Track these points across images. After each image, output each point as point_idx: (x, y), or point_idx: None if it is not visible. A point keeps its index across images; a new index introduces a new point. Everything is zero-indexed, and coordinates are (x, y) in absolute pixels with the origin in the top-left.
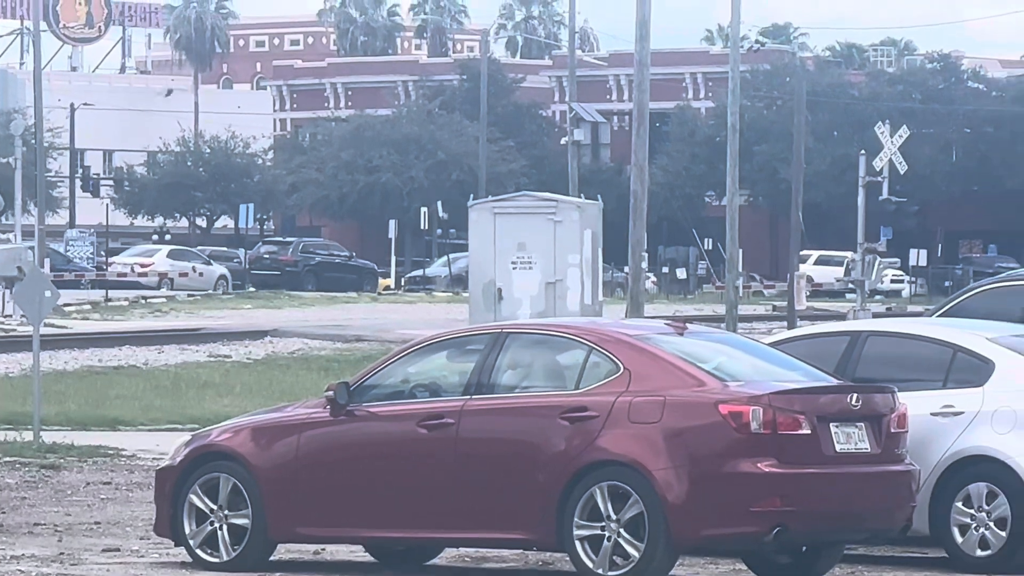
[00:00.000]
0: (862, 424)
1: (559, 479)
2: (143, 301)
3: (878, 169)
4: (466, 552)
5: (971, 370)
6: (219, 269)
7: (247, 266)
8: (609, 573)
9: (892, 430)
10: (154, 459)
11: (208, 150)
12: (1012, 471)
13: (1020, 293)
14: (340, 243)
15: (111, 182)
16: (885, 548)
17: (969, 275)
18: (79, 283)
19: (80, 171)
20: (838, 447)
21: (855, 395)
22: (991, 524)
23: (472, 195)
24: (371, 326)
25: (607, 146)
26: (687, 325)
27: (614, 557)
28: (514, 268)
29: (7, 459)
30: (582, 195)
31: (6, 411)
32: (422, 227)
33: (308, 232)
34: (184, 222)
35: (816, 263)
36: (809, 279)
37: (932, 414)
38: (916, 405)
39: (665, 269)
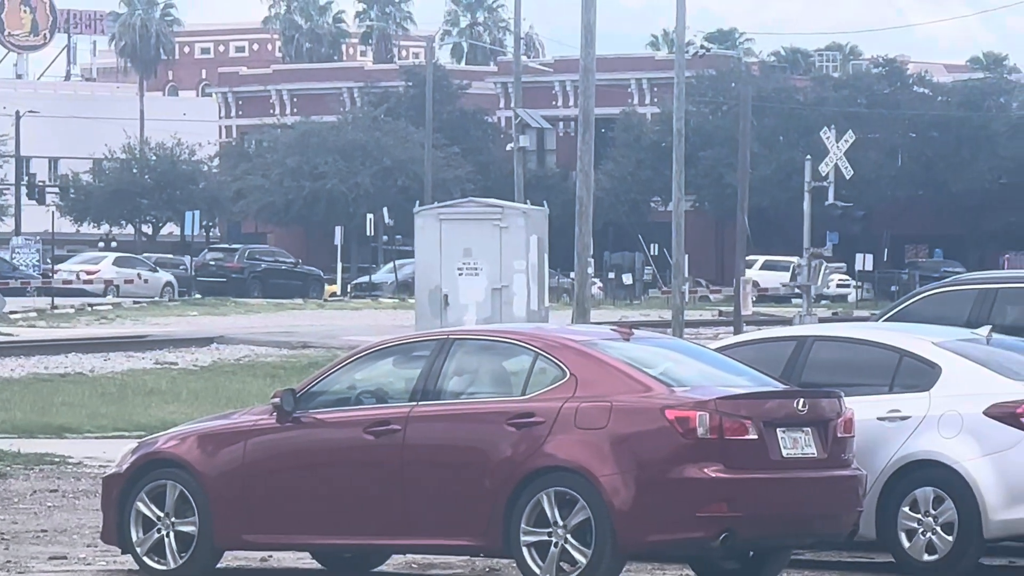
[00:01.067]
0: (809, 429)
1: (506, 485)
2: (89, 308)
3: (824, 174)
4: (413, 559)
5: (917, 375)
6: (165, 276)
7: (193, 273)
8: None
9: (839, 435)
10: (101, 466)
11: (154, 157)
12: (959, 475)
13: (966, 297)
14: (286, 250)
15: (57, 189)
16: (832, 553)
17: (915, 280)
18: (25, 290)
19: (26, 179)
20: (785, 452)
21: (802, 400)
22: (938, 529)
23: (418, 201)
24: (317, 332)
25: (553, 152)
26: (633, 331)
27: (561, 563)
28: (460, 274)
29: None
30: (528, 201)
31: None
32: (368, 233)
33: (254, 239)
34: (130, 229)
35: (762, 268)
36: (755, 284)
37: (879, 419)
38: (863, 410)
39: (611, 275)
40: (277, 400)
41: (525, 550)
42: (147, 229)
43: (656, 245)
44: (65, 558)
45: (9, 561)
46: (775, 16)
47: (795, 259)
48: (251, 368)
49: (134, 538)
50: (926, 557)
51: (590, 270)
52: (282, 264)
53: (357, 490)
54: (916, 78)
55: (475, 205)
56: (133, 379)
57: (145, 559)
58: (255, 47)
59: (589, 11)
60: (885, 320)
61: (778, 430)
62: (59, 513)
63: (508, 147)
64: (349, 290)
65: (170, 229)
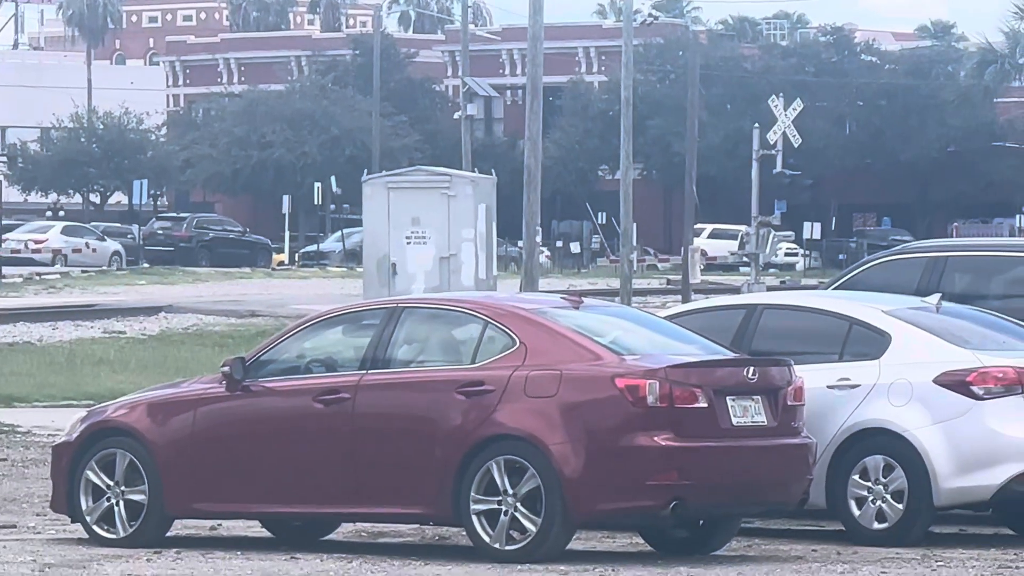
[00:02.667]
0: (759, 397)
1: (455, 454)
2: (37, 277)
3: (772, 142)
4: (363, 527)
5: (867, 343)
6: (113, 245)
7: (141, 242)
8: (506, 548)
9: (789, 403)
10: (50, 435)
11: (101, 126)
12: (909, 444)
13: (915, 265)
14: (234, 218)
15: (4, 158)
16: (782, 521)
17: (863, 248)
18: None
19: None
20: (735, 420)
21: (751, 368)
22: (888, 497)
23: (366, 170)
24: (265, 301)
25: (500, 120)
26: (583, 299)
27: (511, 532)
28: (408, 243)
29: None
30: (476, 169)
31: None
32: (316, 202)
33: (202, 208)
34: (78, 198)
35: (710, 237)
36: (703, 253)
37: (828, 387)
38: (812, 378)
39: (559, 243)
40: (227, 369)
41: (475, 518)
42: (95, 198)
43: (604, 214)
44: (14, 527)
45: None
46: None
47: (743, 228)
48: (199, 337)
49: (84, 507)
50: (876, 525)
51: (538, 239)
52: (230, 233)
53: (307, 459)
54: (864, 46)
55: (423, 174)
56: (81, 348)
57: (95, 528)
58: (202, 16)
59: None
60: (834, 288)
61: (728, 398)
62: (8, 482)
63: (456, 116)
64: (297, 259)
65: (118, 198)
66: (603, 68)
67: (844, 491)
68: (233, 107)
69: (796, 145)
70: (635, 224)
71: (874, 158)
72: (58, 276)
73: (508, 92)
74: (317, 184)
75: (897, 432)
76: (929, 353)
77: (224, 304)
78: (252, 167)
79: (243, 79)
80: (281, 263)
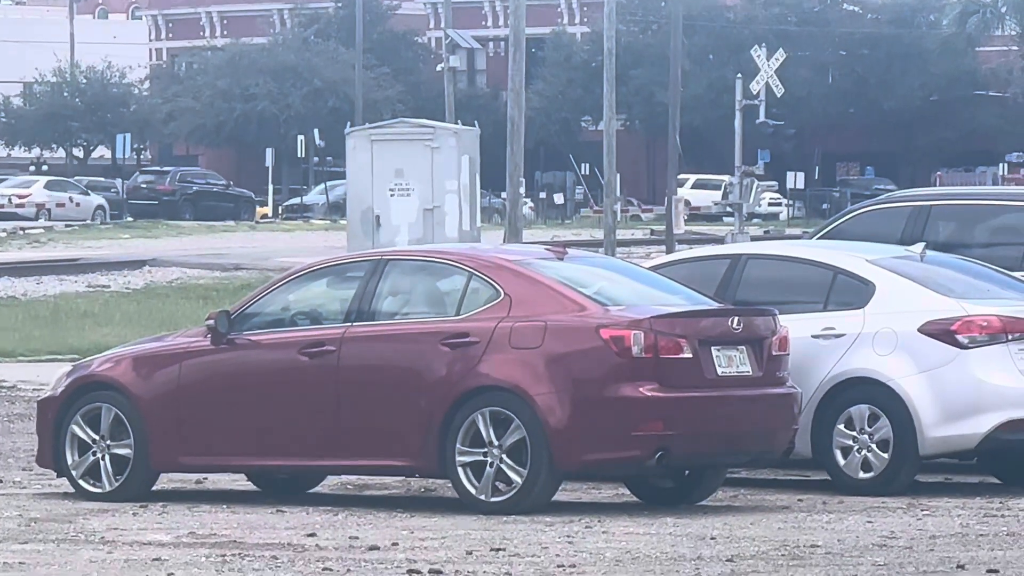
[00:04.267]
0: (743, 347)
1: (441, 406)
2: (20, 232)
3: (755, 92)
4: (348, 480)
5: (852, 292)
6: (97, 199)
7: (125, 196)
8: (492, 499)
9: (773, 353)
10: (35, 390)
11: (84, 80)
12: (893, 393)
13: (899, 215)
14: (217, 172)
15: None
16: (767, 471)
17: (847, 197)
18: None
19: None
20: (720, 370)
21: (736, 318)
22: (873, 446)
23: (349, 122)
24: (249, 254)
25: (483, 72)
26: (567, 250)
27: (496, 483)
28: (392, 195)
29: None
30: (459, 121)
31: None
32: (299, 155)
33: (185, 161)
34: (61, 153)
35: (694, 187)
36: (687, 203)
37: (813, 336)
38: (797, 328)
39: (542, 194)
40: (211, 322)
41: (460, 470)
42: (78, 152)
43: (587, 164)
44: (0, 482)
45: None
46: None
47: (727, 178)
48: (184, 290)
49: (69, 461)
50: (861, 474)
51: (521, 190)
52: (214, 186)
53: (292, 412)
54: None
55: (406, 126)
56: (66, 303)
57: (81, 482)
58: None
59: None
60: (818, 238)
61: (713, 348)
62: None
63: (439, 68)
64: (280, 212)
65: (101, 152)
66: (585, 19)
67: (829, 441)
68: (216, 60)
69: (779, 95)
70: (618, 175)
71: (857, 107)
72: (42, 230)
73: (491, 44)
74: (300, 137)
75: (882, 381)
76: (914, 302)
77: (208, 257)
78: (235, 120)
79: (226, 32)
80: (265, 216)
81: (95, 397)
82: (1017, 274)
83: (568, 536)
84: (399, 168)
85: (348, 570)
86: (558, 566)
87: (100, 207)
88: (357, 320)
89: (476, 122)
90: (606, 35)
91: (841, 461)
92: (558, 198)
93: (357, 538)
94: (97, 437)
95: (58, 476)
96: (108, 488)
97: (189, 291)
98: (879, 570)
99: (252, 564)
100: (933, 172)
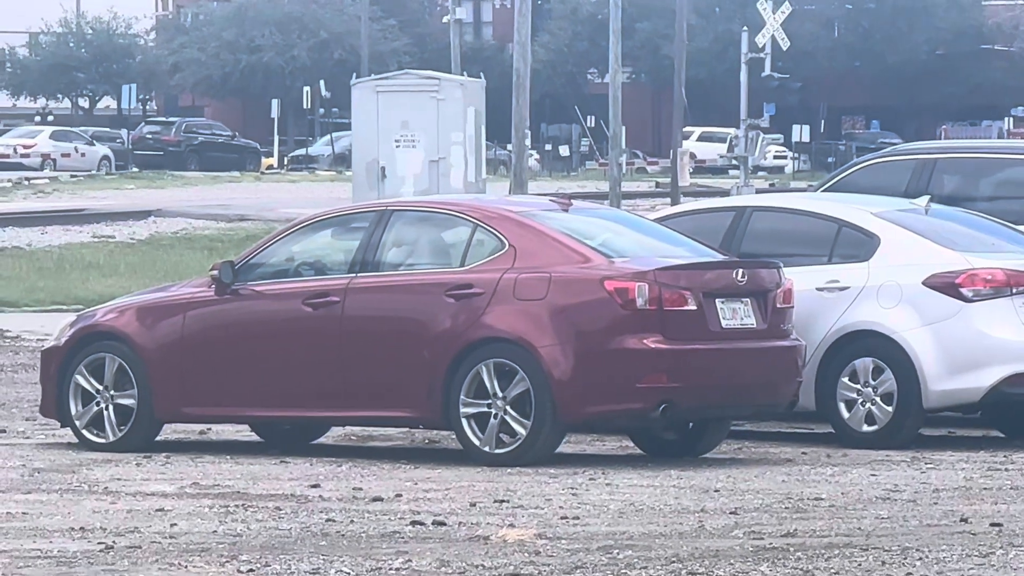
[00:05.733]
0: (748, 300)
1: (445, 357)
2: (26, 182)
3: (761, 46)
4: (352, 431)
5: (856, 245)
6: (102, 150)
7: (130, 146)
8: (496, 451)
9: (778, 305)
10: (39, 340)
11: (90, 31)
12: (898, 346)
13: (904, 168)
14: (223, 123)
15: None
16: (772, 424)
17: (852, 151)
18: None
19: None
20: (724, 323)
21: (741, 271)
22: (877, 399)
23: (355, 74)
24: (254, 205)
25: (489, 24)
26: (572, 201)
27: (500, 435)
28: (397, 146)
29: None
30: (464, 73)
31: None
32: (305, 106)
33: (191, 112)
34: (67, 103)
35: (699, 140)
36: (692, 156)
37: (818, 289)
38: (802, 280)
39: (548, 147)
40: (216, 272)
41: (464, 422)
42: (84, 103)
43: (593, 117)
44: (4, 432)
45: None
46: None
47: (732, 130)
48: (188, 241)
49: (73, 411)
50: (865, 428)
51: (527, 142)
52: (219, 137)
53: (296, 362)
54: None
55: (412, 77)
56: (70, 253)
57: (84, 432)
58: None
59: None
60: (823, 191)
61: (717, 301)
62: None
63: (444, 19)
64: (286, 163)
65: (107, 103)
66: None
67: (833, 393)
68: (222, 11)
69: (785, 48)
70: (624, 127)
71: (863, 61)
72: (47, 181)
73: None
74: (306, 88)
75: (886, 334)
76: (918, 255)
77: (213, 208)
78: (241, 71)
79: None
80: (270, 167)
81: (99, 347)
82: (1022, 227)
83: (572, 488)
84: (405, 120)
85: (352, 521)
86: (562, 518)
87: (105, 157)
88: (361, 271)
89: (482, 74)
90: None
91: (845, 414)
92: (563, 150)
93: (360, 489)
94: (101, 387)
95: (62, 426)
96: (112, 438)
97: (194, 242)
98: (883, 523)
99: (255, 515)
100: (938, 126)
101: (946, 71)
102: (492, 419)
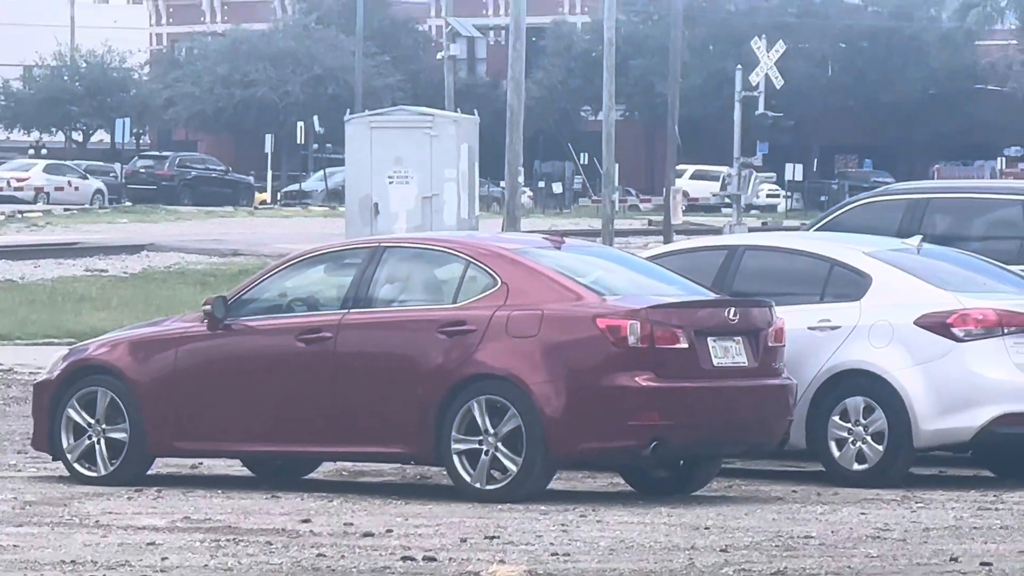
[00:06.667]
0: (740, 338)
1: (437, 393)
2: (19, 215)
3: (754, 84)
4: (344, 466)
5: (848, 284)
6: (95, 183)
7: (123, 180)
8: (487, 487)
9: (769, 344)
10: (31, 373)
11: (84, 64)
12: (889, 385)
13: (897, 207)
14: (216, 157)
15: None
16: (763, 462)
17: (845, 190)
18: None
19: None
20: (716, 361)
21: (732, 309)
22: (868, 438)
23: (348, 110)
24: (247, 240)
25: (483, 61)
26: (564, 239)
27: (492, 471)
28: (391, 182)
29: None
30: (458, 110)
31: None
32: (298, 141)
33: (184, 146)
34: (60, 136)
35: (692, 178)
36: (685, 194)
37: (809, 328)
38: (793, 319)
39: (541, 184)
40: (208, 307)
41: (456, 458)
42: (78, 136)
43: (586, 154)
44: None
45: None
46: None
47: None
48: (181, 275)
49: (65, 445)
50: (856, 466)
51: (520, 179)
52: (212, 172)
53: (288, 397)
54: None
55: (406, 113)
56: (63, 286)
57: (76, 466)
58: None
59: None
60: (816, 230)
61: (709, 339)
62: None
63: (439, 56)
64: (279, 198)
65: (101, 136)
66: (586, 8)
67: (824, 432)
68: (216, 46)
69: (778, 87)
70: (617, 165)
71: (856, 100)
72: (40, 214)
73: (491, 32)
74: (300, 123)
75: (877, 373)
76: (910, 295)
77: (206, 243)
78: (235, 106)
79: (226, 18)
80: (263, 202)
81: (91, 381)
82: (1014, 268)
83: (562, 525)
84: (398, 156)
85: (342, 556)
86: (552, 555)
87: (99, 191)
88: (354, 307)
89: (476, 111)
90: (606, 25)
91: (836, 453)
92: (557, 187)
93: (352, 524)
94: (93, 421)
95: (53, 459)
96: (103, 472)
97: (186, 276)
98: (872, 562)
99: (246, 549)
100: (931, 165)
101: (939, 110)
102: (483, 455)
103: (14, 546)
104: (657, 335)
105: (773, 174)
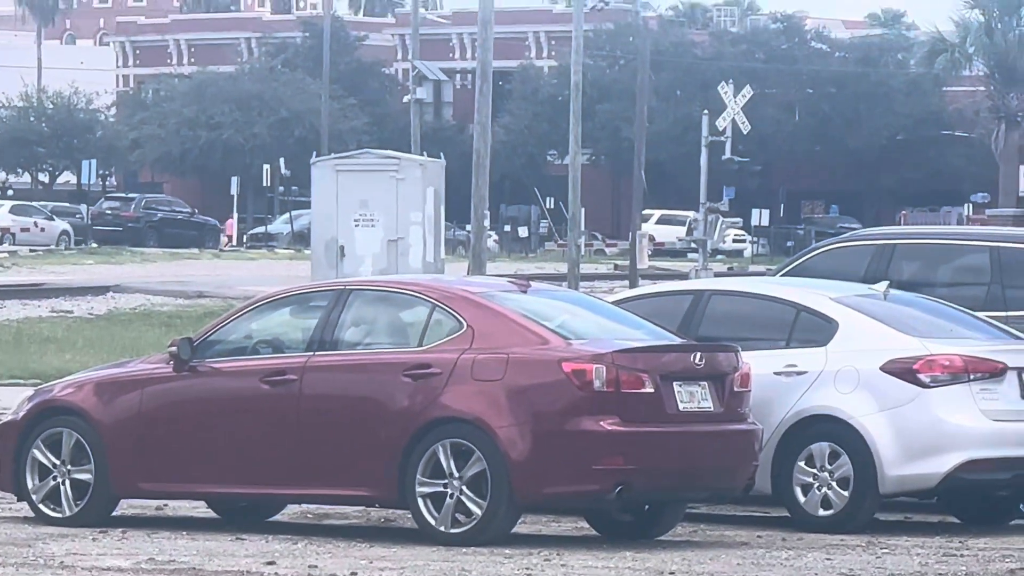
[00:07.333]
0: (705, 383)
1: (402, 436)
2: None
3: (721, 129)
4: (308, 508)
5: (814, 330)
6: (61, 224)
7: (89, 222)
8: (451, 531)
9: (735, 389)
10: None
11: (51, 105)
12: (855, 431)
13: (863, 253)
14: (182, 199)
15: None
16: (728, 507)
17: (811, 235)
18: None
19: None
20: (681, 406)
21: (698, 354)
22: (833, 484)
23: (315, 152)
24: (213, 282)
25: (450, 104)
26: (530, 283)
27: (456, 515)
28: (356, 225)
29: None
30: (424, 153)
31: None
32: (264, 184)
33: (150, 188)
34: (27, 177)
35: (658, 222)
36: (651, 238)
37: (775, 373)
38: (759, 364)
39: (507, 227)
40: (174, 349)
41: (421, 501)
42: (44, 177)
43: (552, 198)
44: None
45: None
46: None
47: (691, 213)
48: (147, 317)
49: (30, 485)
50: (821, 512)
51: (486, 223)
52: (178, 214)
53: (253, 440)
54: (814, 34)
55: (372, 156)
56: (29, 327)
57: (41, 506)
58: None
59: None
60: (782, 275)
61: (675, 384)
62: None
63: (405, 99)
64: (245, 240)
65: (67, 178)
66: (553, 53)
67: (790, 477)
68: (183, 88)
69: (745, 132)
70: (583, 209)
71: (823, 145)
72: (6, 255)
73: (458, 76)
74: (266, 166)
75: (843, 419)
76: (876, 340)
77: (172, 284)
78: (201, 148)
79: (193, 60)
80: (229, 244)
81: (56, 422)
82: (980, 314)
83: (527, 569)
84: (364, 199)
85: None
86: None
87: (65, 232)
88: (320, 349)
89: (442, 154)
90: (573, 69)
91: (801, 498)
92: (522, 231)
93: (316, 567)
94: (58, 462)
95: (18, 500)
96: (68, 513)
97: (152, 318)
98: None
99: None
100: (898, 211)
101: (906, 156)
102: (448, 499)
103: None
104: (623, 379)
105: (739, 219)
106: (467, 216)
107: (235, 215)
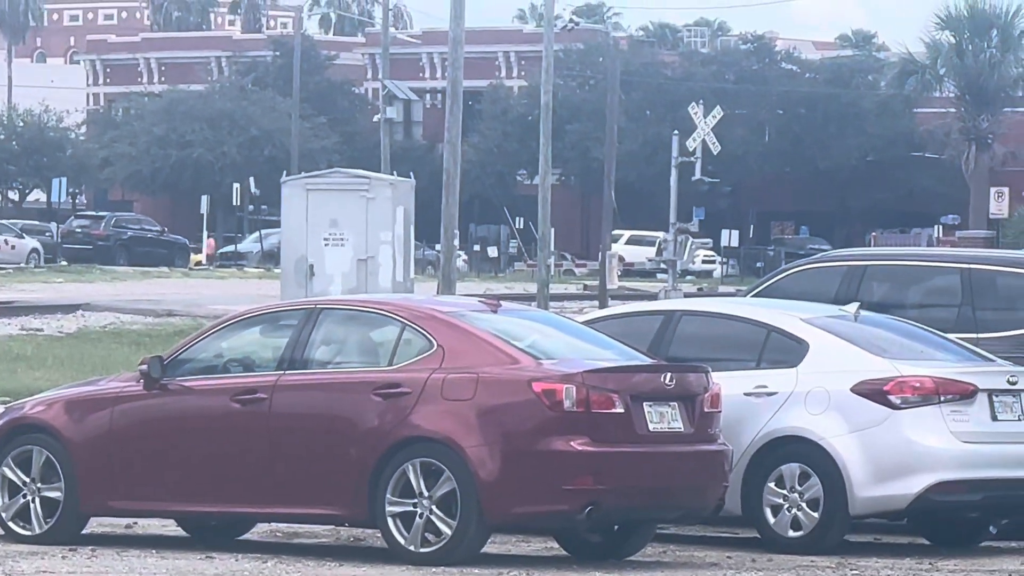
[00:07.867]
0: (676, 403)
1: (371, 455)
2: None
3: (691, 149)
4: (278, 527)
5: (785, 351)
6: (31, 243)
7: (59, 240)
8: (421, 550)
9: (706, 410)
10: None
11: (21, 124)
12: (825, 452)
13: (834, 274)
14: (152, 218)
15: None
16: (697, 528)
17: (781, 256)
18: None
19: None
20: (651, 426)
21: (669, 374)
22: (803, 505)
23: (285, 171)
24: (183, 301)
25: (420, 124)
26: (501, 303)
27: (426, 534)
28: (326, 244)
29: None
30: (394, 172)
31: None
32: (234, 203)
33: (120, 207)
34: None
35: (628, 243)
36: (621, 259)
37: (746, 394)
38: (730, 385)
39: (476, 247)
40: (144, 367)
41: (390, 520)
42: (14, 195)
43: (522, 218)
44: None
45: None
46: None
47: (661, 234)
48: (117, 335)
49: None
50: (791, 533)
51: (456, 242)
52: (148, 232)
53: (223, 458)
54: (784, 55)
55: (342, 176)
56: None
57: (10, 524)
58: (123, 15)
59: None
60: (753, 296)
61: (645, 404)
62: None
63: (375, 118)
64: (215, 259)
65: (37, 196)
66: (523, 73)
67: (760, 498)
68: (153, 106)
69: (715, 152)
70: (553, 229)
71: (793, 166)
72: None
73: (428, 96)
74: (236, 184)
75: (813, 440)
76: (847, 362)
77: (142, 303)
78: (171, 167)
79: (163, 79)
80: (199, 263)
81: (26, 440)
82: (951, 335)
83: None
84: (334, 218)
85: None
86: None
87: (34, 250)
88: (290, 368)
89: (412, 173)
90: (543, 89)
91: (771, 519)
92: (492, 251)
93: None
94: (28, 480)
95: None
96: (38, 531)
97: (122, 336)
98: None
99: None
100: (868, 232)
101: (876, 178)
102: (418, 518)
103: None
104: (593, 399)
105: (709, 240)
106: (437, 236)
107: (212, 234)
